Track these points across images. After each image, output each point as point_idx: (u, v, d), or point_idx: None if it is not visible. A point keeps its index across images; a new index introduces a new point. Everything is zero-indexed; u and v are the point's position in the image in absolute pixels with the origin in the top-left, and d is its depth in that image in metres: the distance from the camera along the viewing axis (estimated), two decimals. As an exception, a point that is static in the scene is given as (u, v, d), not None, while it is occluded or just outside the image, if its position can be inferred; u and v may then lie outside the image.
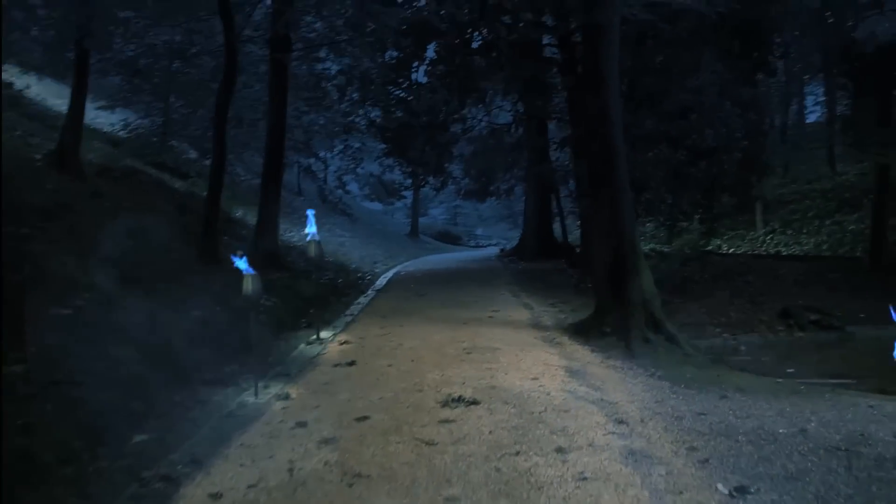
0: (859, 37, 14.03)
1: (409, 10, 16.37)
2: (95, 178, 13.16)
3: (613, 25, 9.37)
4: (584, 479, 3.99)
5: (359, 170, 30.85)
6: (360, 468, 4.27)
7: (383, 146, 24.19)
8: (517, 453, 4.43)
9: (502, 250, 27.91)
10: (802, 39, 23.65)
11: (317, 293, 12.26)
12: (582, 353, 7.88)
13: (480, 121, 23.90)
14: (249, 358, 6.63)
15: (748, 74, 17.65)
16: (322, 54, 19.35)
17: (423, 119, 21.36)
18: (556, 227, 24.60)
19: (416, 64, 20.95)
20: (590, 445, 4.55)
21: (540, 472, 4.12)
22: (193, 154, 21.02)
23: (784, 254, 22.11)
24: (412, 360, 7.45)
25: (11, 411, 4.37)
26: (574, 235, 24.78)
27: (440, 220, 48.16)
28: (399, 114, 22.11)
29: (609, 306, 8.93)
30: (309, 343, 8.98)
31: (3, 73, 13.08)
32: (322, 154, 27.91)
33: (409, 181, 29.76)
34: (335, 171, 29.94)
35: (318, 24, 17.40)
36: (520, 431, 4.86)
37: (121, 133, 19.31)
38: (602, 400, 5.71)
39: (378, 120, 23.27)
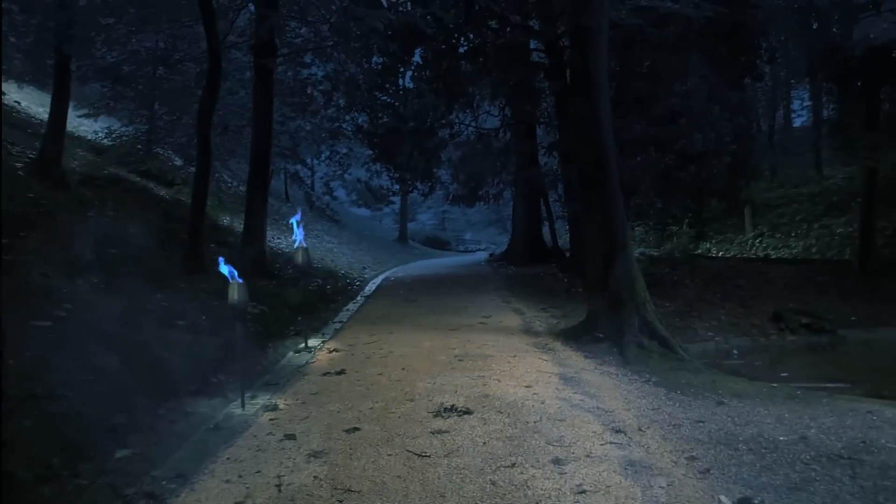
0: (855, 38, 14.04)
1: (395, 15, 16.25)
2: (78, 186, 12.98)
3: (602, 27, 9.30)
4: (583, 492, 3.86)
5: (346, 175, 30.70)
6: (351, 483, 4.12)
7: (370, 152, 24.05)
8: (513, 465, 4.29)
9: (491, 255, 27.81)
10: (789, 43, 23.77)
11: (305, 300, 12.11)
12: (575, 360, 7.76)
13: (468, 126, 23.80)
14: (236, 367, 6.47)
15: (736, 79, 17.66)
16: (308, 59, 19.22)
17: (411, 124, 21.24)
18: (545, 231, 24.51)
19: (402, 69, 20.83)
20: (587, 456, 4.43)
21: (537, 484, 3.98)
22: (179, 161, 20.81)
23: (773, 257, 22.16)
24: (403, 368, 7.30)
25: (-13, 428, 4.20)
26: (563, 240, 24.73)
27: (429, 225, 48.05)
28: (386, 119, 22.00)
29: (601, 311, 8.83)
30: (297, 351, 8.82)
31: None
32: (309, 160, 27.76)
33: (397, 186, 29.60)
34: (322, 177, 29.77)
35: (303, 30, 17.31)
36: (515, 442, 4.73)
37: (105, 141, 19.08)
38: (598, 408, 5.59)
39: (365, 125, 23.14)
